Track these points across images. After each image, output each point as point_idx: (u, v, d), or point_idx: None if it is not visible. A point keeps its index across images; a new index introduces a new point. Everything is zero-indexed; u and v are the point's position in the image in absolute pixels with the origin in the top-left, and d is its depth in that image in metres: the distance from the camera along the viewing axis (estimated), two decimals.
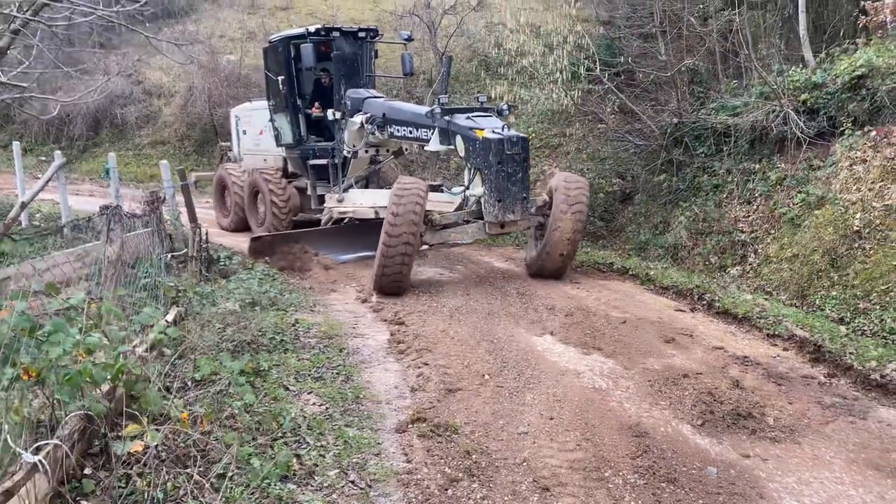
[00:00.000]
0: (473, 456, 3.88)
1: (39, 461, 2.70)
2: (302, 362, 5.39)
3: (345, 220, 10.31)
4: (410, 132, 8.99)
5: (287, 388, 4.75)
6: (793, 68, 10.70)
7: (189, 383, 4.34)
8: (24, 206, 11.59)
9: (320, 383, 4.97)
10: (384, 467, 3.74)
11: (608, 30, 16.09)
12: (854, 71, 9.37)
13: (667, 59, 11.97)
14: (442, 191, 9.42)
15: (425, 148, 8.95)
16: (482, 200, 7.90)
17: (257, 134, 12.45)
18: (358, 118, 9.58)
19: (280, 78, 10.74)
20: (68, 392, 2.97)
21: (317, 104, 10.58)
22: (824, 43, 11.90)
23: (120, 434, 3.28)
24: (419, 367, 5.44)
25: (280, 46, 10.81)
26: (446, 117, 8.31)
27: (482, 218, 7.99)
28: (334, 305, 7.60)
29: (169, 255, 6.43)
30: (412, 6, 19.14)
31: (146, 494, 2.94)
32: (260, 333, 5.76)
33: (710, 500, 3.51)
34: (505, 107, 9.02)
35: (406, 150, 10.80)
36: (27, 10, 7.39)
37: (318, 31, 10.24)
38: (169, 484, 3.07)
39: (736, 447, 4.10)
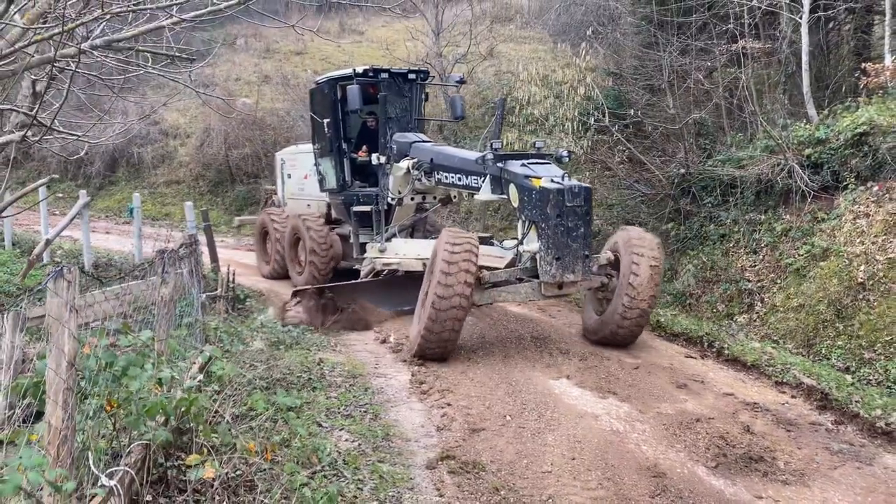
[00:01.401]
0: (502, 492, 4.13)
1: (115, 486, 2.95)
2: (330, 400, 5.65)
3: (384, 273, 9.72)
4: (459, 179, 8.40)
5: (320, 425, 5.00)
6: (796, 123, 11.09)
7: (229, 418, 4.60)
8: (48, 242, 11.95)
9: (350, 420, 5.23)
10: (419, 501, 3.98)
11: (616, 82, 16.61)
12: (856, 128, 9.72)
13: (675, 111, 12.40)
14: (492, 244, 8.76)
15: (475, 197, 8.26)
16: (538, 257, 7.08)
17: (302, 178, 12.05)
18: (404, 163, 9.11)
19: (325, 121, 10.37)
20: (135, 422, 3.24)
21: (363, 148, 10.15)
22: (827, 99, 12.35)
23: (176, 464, 3.54)
24: (443, 408, 5.70)
25: (326, 88, 10.45)
26: (499, 164, 7.64)
27: (537, 276, 7.15)
28: (354, 346, 7.87)
29: (204, 295, 6.74)
30: (424, 55, 19.73)
31: None
32: (288, 372, 6.03)
33: None
34: (564, 153, 8.31)
35: (455, 198, 10.12)
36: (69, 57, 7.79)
37: (365, 73, 9.86)
38: None
39: (749, 489, 4.33)
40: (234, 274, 8.14)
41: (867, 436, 5.38)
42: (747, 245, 10.44)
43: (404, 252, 9.30)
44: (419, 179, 8.99)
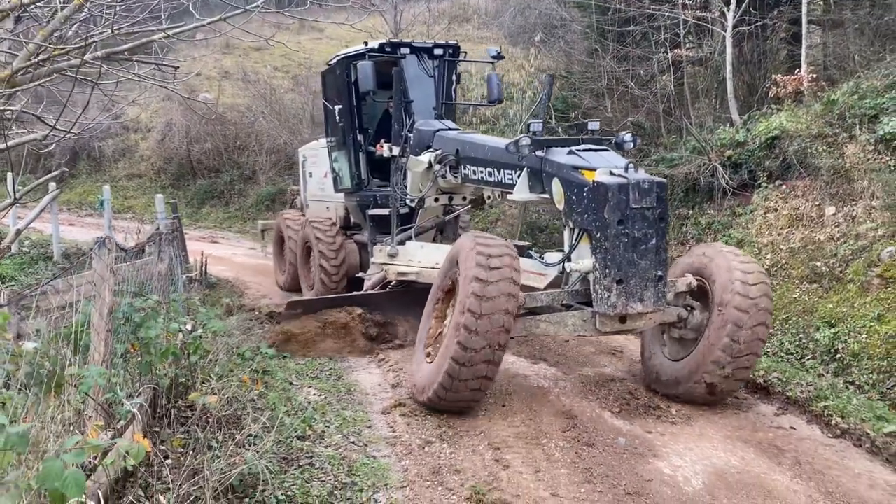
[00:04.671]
0: (443, 428, 5.11)
1: (136, 412, 3.80)
2: (299, 366, 6.55)
3: (391, 284, 8.09)
4: (490, 174, 6.74)
5: (291, 384, 5.89)
6: (721, 127, 12.28)
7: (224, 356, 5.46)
8: (18, 233, 12.49)
9: (317, 381, 6.15)
10: (376, 435, 4.93)
11: (563, 85, 17.69)
12: (770, 132, 10.87)
13: (612, 115, 13.52)
14: (530, 256, 6.51)
15: (509, 197, 6.60)
16: (591, 278, 5.43)
17: (322, 177, 10.45)
18: (425, 156, 7.53)
19: (338, 107, 8.94)
20: (148, 366, 4.09)
21: (382, 141, 8.27)
22: (755, 104, 13.61)
23: (177, 404, 4.40)
24: (396, 372, 6.63)
25: (338, 69, 8.93)
26: (539, 152, 5.93)
27: (590, 304, 5.49)
28: None
29: (185, 276, 7.54)
30: None
31: (205, 441, 4.04)
32: (262, 342, 6.88)
33: (616, 457, 4.77)
34: (628, 137, 6.38)
35: (489, 199, 8.03)
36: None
37: (381, 48, 8.41)
38: (219, 436, 4.17)
39: (643, 427, 5.36)
40: (206, 260, 8.90)
41: (750, 392, 6.46)
42: (676, 237, 11.56)
43: (420, 259, 7.67)
44: (443, 176, 7.45)
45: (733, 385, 5.80)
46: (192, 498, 3.35)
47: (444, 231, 8.81)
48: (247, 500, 3.58)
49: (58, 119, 5.36)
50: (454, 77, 9.00)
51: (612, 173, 5.41)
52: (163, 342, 4.04)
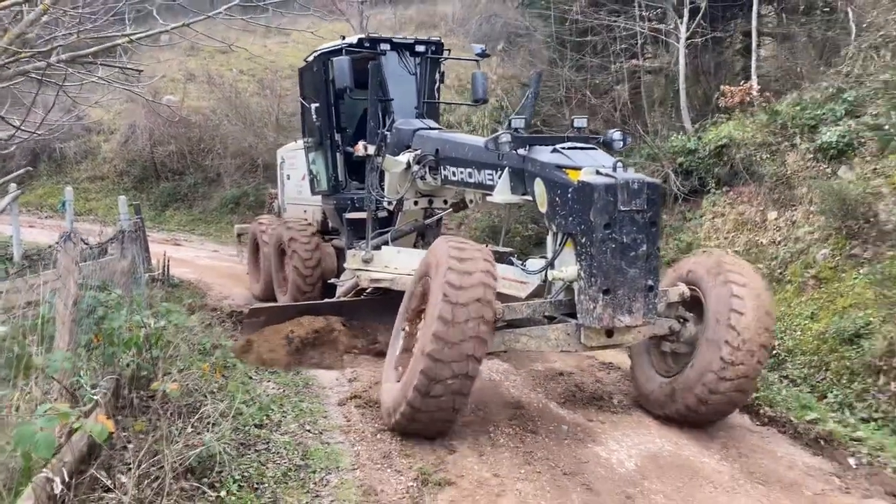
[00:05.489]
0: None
1: (99, 399, 3.99)
2: None
3: (367, 290, 7.81)
4: (470, 175, 6.40)
5: (251, 377, 6.10)
6: (674, 135, 12.75)
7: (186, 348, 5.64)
8: None
9: (275, 375, 6.36)
10: (331, 424, 5.18)
11: (525, 94, 18.08)
12: (719, 141, 11.34)
13: (569, 122, 13.91)
14: (511, 263, 6.04)
15: (489, 199, 6.27)
16: (576, 288, 5.07)
17: (300, 179, 10.13)
18: (403, 157, 7.22)
19: (314, 106, 8.60)
20: (111, 357, 4.27)
21: (362, 141, 7.92)
22: (710, 113, 14.13)
23: (139, 394, 4.59)
24: (354, 369, 6.87)
25: (315, 65, 8.63)
26: (520, 150, 5.59)
27: (574, 316, 5.12)
28: None
29: (147, 274, 7.68)
30: None
31: (166, 427, 4.24)
32: (221, 338, 7.06)
33: (559, 442, 5.09)
34: (618, 136, 6.00)
35: (472, 202, 7.46)
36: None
37: (360, 43, 8.11)
38: (179, 423, 4.37)
39: (585, 416, 5.68)
40: (168, 261, 9.04)
41: None
42: None
43: (396, 265, 7.31)
44: (422, 177, 7.12)
45: (729, 402, 5.32)
46: (151, 477, 3.55)
47: (426, 236, 8.42)
48: (205, 479, 3.80)
49: (23, 121, 5.52)
50: (437, 76, 8.69)
51: (598, 173, 5.04)
52: (126, 333, 4.23)
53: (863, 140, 8.86)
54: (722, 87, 12.03)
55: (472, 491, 4.27)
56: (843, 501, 4.47)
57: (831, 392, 6.30)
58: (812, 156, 9.63)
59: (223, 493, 3.80)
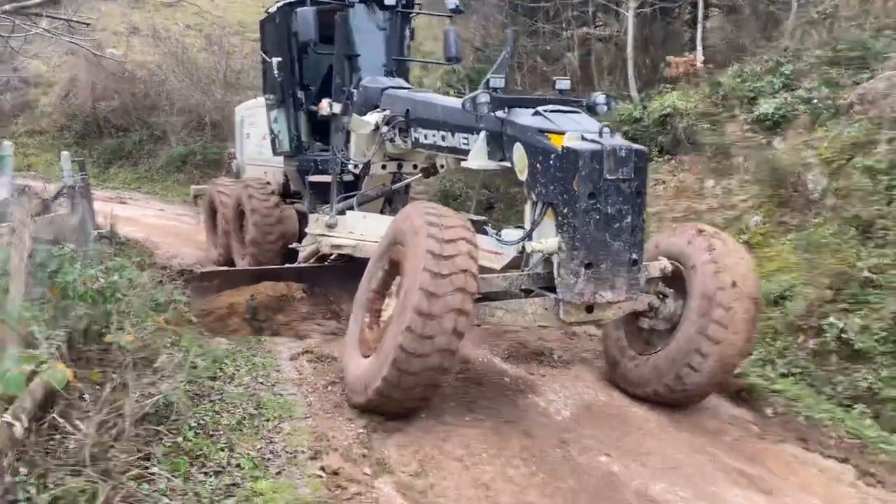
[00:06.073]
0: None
1: (54, 351, 4.08)
2: None
3: (331, 256, 7.45)
4: (443, 138, 6.01)
5: (203, 333, 6.22)
6: (621, 104, 13.05)
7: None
8: None
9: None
10: (283, 377, 5.38)
11: (479, 58, 18.17)
12: (663, 110, 11.69)
13: (522, 89, 14.13)
14: (485, 233, 5.68)
15: (463, 164, 5.87)
16: (556, 260, 4.77)
17: (261, 139, 9.59)
18: (372, 117, 6.79)
19: (276, 61, 8.05)
20: (66, 308, 4.35)
21: (326, 99, 7.44)
22: (657, 83, 14.48)
23: (93, 347, 4.68)
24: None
25: (278, 17, 8.15)
26: (499, 112, 5.21)
27: (553, 290, 4.82)
28: None
29: (96, 232, 7.65)
30: None
31: (121, 378, 4.35)
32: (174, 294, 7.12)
33: (501, 392, 5.43)
34: (602, 99, 5.49)
35: (442, 167, 6.84)
36: None
37: None
38: (135, 374, 4.49)
39: (527, 369, 6.01)
40: (115, 219, 9.01)
41: None
42: None
43: (361, 231, 6.97)
44: (391, 139, 6.71)
45: (707, 384, 5.11)
46: (110, 423, 3.69)
47: (393, 202, 8.00)
48: (161, 426, 3.95)
49: None
50: (407, 32, 8.31)
51: (583, 138, 4.68)
52: (80, 287, 4.31)
53: (796, 113, 9.29)
54: (667, 57, 12.33)
55: (418, 437, 4.53)
56: (758, 446, 4.91)
57: (756, 349, 6.76)
58: (750, 127, 10.05)
59: (180, 440, 3.96)
